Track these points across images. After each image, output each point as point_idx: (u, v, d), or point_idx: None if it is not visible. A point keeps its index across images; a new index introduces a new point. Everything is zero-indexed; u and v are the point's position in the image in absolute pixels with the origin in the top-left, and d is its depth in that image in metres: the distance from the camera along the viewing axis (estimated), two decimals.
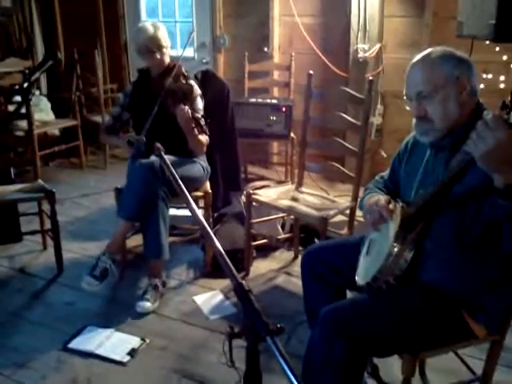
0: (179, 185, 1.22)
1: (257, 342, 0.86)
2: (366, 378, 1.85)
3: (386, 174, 1.82)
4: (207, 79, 2.93)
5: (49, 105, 4.69)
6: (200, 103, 2.71)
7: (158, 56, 2.65)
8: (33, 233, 3.12)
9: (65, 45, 5.20)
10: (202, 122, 2.39)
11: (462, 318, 1.49)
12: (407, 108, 1.53)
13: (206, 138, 2.60)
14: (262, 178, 4.22)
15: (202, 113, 2.66)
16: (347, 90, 2.65)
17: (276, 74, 4.30)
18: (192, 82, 2.72)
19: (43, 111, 4.52)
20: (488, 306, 1.48)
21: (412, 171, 1.61)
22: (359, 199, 1.92)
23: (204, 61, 4.56)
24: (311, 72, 2.75)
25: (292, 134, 3.84)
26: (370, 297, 1.53)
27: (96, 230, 3.34)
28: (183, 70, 2.71)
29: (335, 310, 1.49)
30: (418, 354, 1.49)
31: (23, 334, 2.33)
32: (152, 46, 2.62)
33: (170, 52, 2.75)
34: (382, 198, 1.58)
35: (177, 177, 1.25)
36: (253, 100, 3.89)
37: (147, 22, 2.72)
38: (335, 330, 1.44)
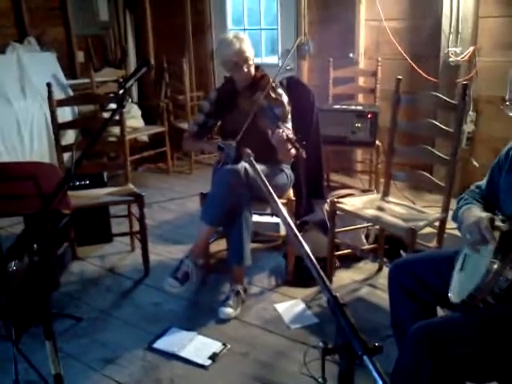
0: (269, 191, 1.21)
1: (352, 360, 0.82)
2: None
3: (483, 183, 1.71)
4: (292, 86, 2.91)
5: (139, 112, 4.92)
6: (289, 123, 2.67)
7: (246, 69, 2.63)
8: (122, 235, 3.26)
9: (155, 54, 5.43)
10: (297, 144, 2.34)
11: None
12: (510, 114, 1.42)
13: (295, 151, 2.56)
14: (344, 187, 4.12)
15: (291, 131, 2.62)
16: (439, 95, 2.53)
17: (361, 80, 4.21)
18: (280, 91, 2.70)
19: (134, 118, 4.75)
20: None
21: None
22: (452, 210, 1.81)
23: (288, 67, 4.56)
24: (400, 77, 2.65)
25: (377, 142, 3.73)
26: (465, 316, 1.43)
27: (181, 233, 3.44)
28: (271, 80, 2.65)
29: (427, 328, 1.41)
30: None
31: (112, 330, 2.44)
32: (239, 59, 2.60)
33: (255, 60, 2.74)
34: (485, 218, 1.44)
35: (267, 183, 1.24)
36: (337, 106, 3.82)
37: (229, 34, 2.68)
38: (426, 350, 1.36)
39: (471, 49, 3.58)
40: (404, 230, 2.31)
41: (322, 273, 0.95)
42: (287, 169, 2.78)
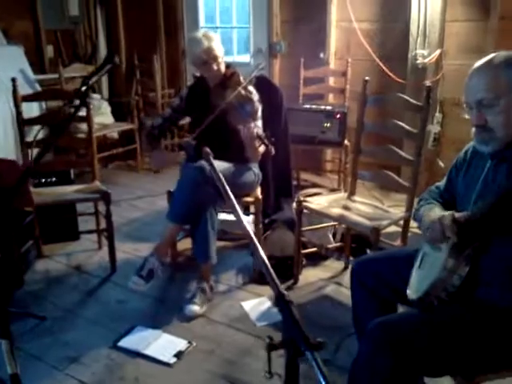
0: (226, 191, 1.21)
1: (296, 355, 0.84)
2: None
3: (441, 184, 1.75)
4: (261, 85, 2.92)
5: (109, 109, 4.86)
6: (260, 121, 2.69)
7: (215, 67, 2.65)
8: (89, 232, 3.23)
9: (126, 51, 5.38)
10: (266, 140, 2.34)
11: None
12: (466, 116, 1.46)
13: (264, 148, 2.58)
14: (314, 185, 4.18)
15: (260, 131, 2.61)
16: (404, 96, 2.57)
17: (332, 81, 4.26)
18: (251, 89, 2.71)
19: (104, 115, 4.69)
20: None
21: (471, 182, 1.53)
22: (414, 209, 1.85)
23: (260, 67, 4.55)
24: (367, 78, 2.69)
25: (346, 142, 3.78)
26: (420, 312, 1.47)
27: (150, 231, 3.41)
28: (241, 78, 2.68)
29: (384, 324, 1.44)
30: (474, 377, 1.40)
31: (76, 329, 2.41)
32: (208, 57, 2.61)
33: (226, 58, 2.76)
34: (448, 216, 1.46)
35: (224, 182, 1.24)
36: (307, 106, 3.86)
37: (199, 33, 2.70)
38: (382, 345, 1.38)
39: (438, 52, 3.66)
40: (368, 229, 2.35)
41: (271, 269, 0.97)
42: (255, 167, 2.79)
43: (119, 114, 5.10)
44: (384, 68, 3.86)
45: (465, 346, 1.38)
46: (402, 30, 3.82)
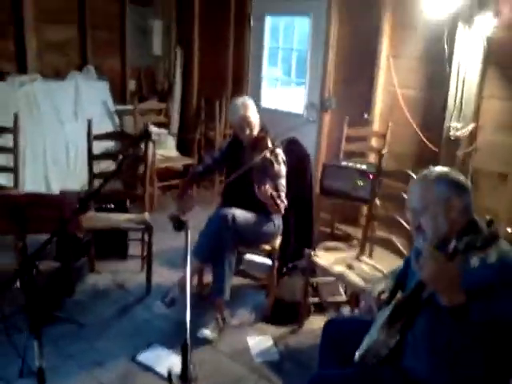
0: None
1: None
2: None
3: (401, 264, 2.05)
4: (291, 147, 3.33)
5: (173, 143, 5.49)
6: (283, 180, 3.09)
7: (248, 131, 3.12)
8: (134, 256, 3.75)
9: (198, 91, 5.99)
10: (279, 200, 2.87)
11: None
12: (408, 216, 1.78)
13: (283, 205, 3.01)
14: (348, 236, 4.48)
15: (283, 188, 3.05)
16: (410, 173, 2.84)
17: (373, 140, 4.56)
18: (278, 151, 3.12)
19: (168, 148, 5.31)
20: None
21: (413, 272, 1.82)
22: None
23: (311, 119, 4.96)
24: (384, 152, 3.01)
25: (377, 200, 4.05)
26: (356, 371, 1.78)
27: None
28: (269, 143, 3.10)
29: (322, 378, 1.77)
30: None
31: (107, 339, 2.90)
32: (243, 123, 3.10)
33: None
34: (373, 293, 1.81)
35: None
36: (344, 163, 4.19)
37: (238, 100, 3.17)
38: None
39: (471, 126, 3.87)
40: (360, 290, 2.65)
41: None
42: (277, 219, 3.17)
43: (185, 148, 5.70)
44: (421, 135, 4.11)
45: None
46: (441, 101, 4.06)
